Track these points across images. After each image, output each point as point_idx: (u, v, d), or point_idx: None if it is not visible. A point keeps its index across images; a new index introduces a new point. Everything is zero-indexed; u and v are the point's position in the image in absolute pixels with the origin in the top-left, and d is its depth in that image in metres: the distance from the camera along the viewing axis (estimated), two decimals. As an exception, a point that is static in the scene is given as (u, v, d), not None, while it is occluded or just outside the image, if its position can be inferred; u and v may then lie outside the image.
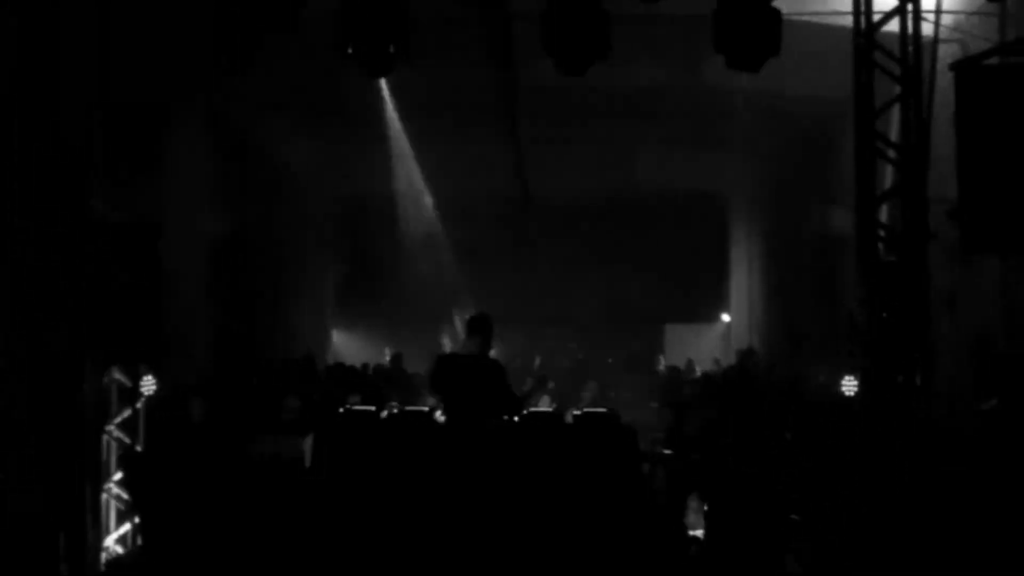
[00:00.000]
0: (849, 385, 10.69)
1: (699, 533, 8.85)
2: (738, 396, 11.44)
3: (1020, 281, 9.29)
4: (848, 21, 8.41)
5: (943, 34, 8.59)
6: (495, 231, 19.13)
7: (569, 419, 9.79)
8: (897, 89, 8.23)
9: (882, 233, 8.30)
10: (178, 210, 10.27)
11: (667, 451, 9.25)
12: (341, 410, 9.97)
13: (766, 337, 16.96)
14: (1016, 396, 7.99)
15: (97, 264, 8.31)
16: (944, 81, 8.04)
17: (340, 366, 14.41)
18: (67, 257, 8.08)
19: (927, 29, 8.36)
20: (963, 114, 7.63)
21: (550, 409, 10.72)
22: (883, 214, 8.50)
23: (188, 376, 10.83)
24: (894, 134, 8.58)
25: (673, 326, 19.96)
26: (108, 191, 8.67)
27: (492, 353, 8.43)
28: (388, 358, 14.97)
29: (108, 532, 9.31)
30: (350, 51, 8.82)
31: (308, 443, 9.18)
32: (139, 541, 9.27)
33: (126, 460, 9.31)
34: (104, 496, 9.23)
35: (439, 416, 9.03)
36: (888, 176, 8.62)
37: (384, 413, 10.19)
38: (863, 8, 8.23)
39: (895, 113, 8.51)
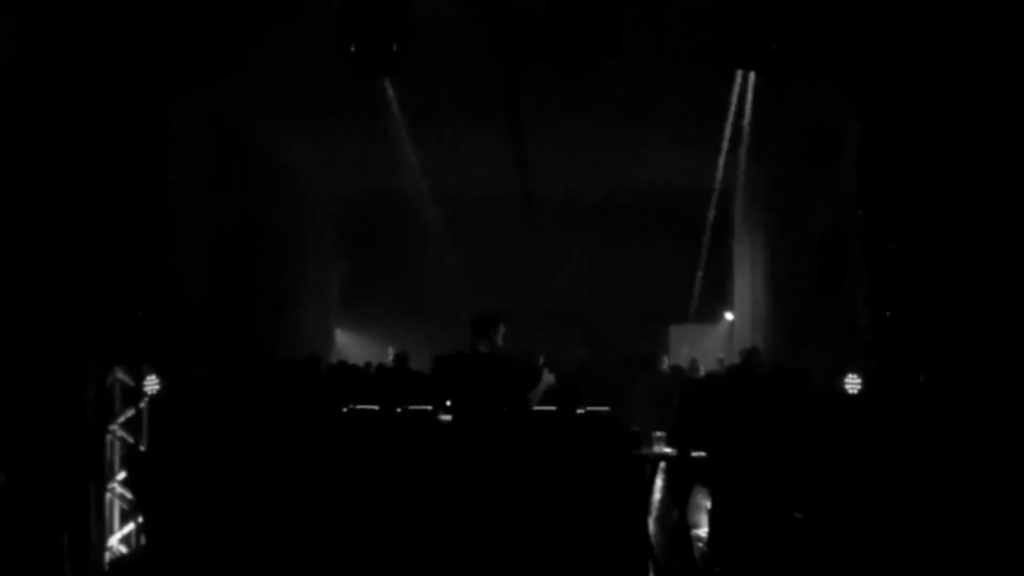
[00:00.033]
0: (852, 383, 10.68)
1: (703, 532, 8.87)
2: (740, 395, 11.40)
3: None
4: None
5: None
6: (497, 230, 19.15)
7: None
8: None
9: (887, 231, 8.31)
10: (179, 210, 10.25)
11: (670, 451, 9.22)
12: (344, 410, 9.98)
13: (770, 336, 16.91)
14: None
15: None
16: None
17: (343, 365, 14.40)
18: (67, 257, 8.10)
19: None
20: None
21: (552, 408, 10.69)
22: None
23: (191, 376, 10.83)
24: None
25: (677, 326, 19.95)
26: (109, 191, 8.70)
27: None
28: (391, 357, 14.93)
29: (112, 532, 9.32)
30: (352, 50, 8.82)
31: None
32: (143, 541, 9.28)
33: (130, 460, 9.32)
34: (108, 496, 9.25)
35: (443, 416, 9.00)
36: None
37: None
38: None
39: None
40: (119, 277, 8.99)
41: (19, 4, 7.70)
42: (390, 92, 12.14)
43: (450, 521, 7.80)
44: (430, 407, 9.76)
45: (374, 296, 19.47)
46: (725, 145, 14.39)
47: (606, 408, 10.08)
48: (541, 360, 13.61)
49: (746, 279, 18.55)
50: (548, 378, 8.36)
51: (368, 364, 14.36)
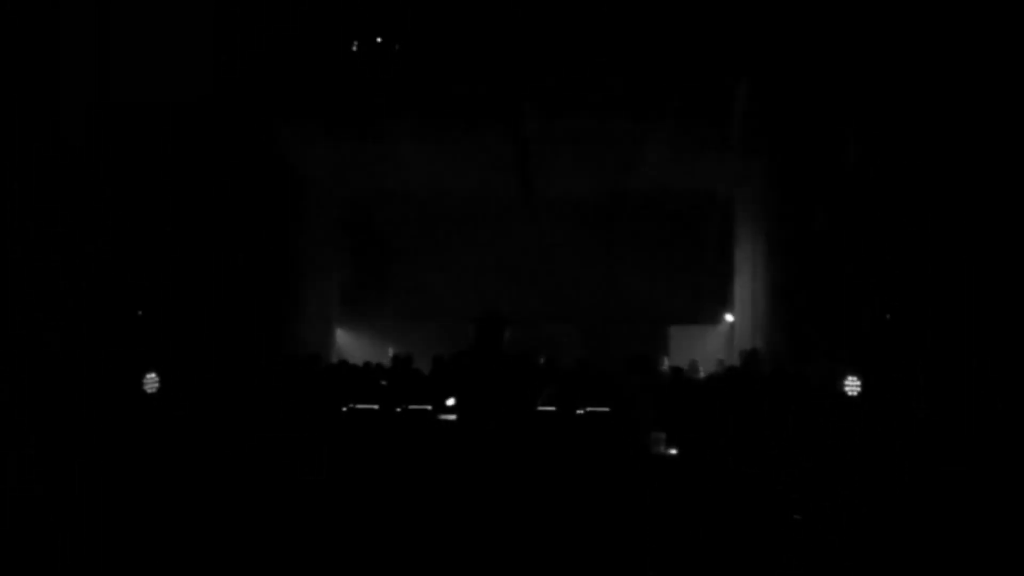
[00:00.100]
0: (852, 385, 10.69)
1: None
2: (741, 397, 11.41)
3: None
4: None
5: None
6: (497, 230, 19.14)
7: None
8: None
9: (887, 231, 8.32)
10: (180, 210, 10.26)
11: (671, 451, 9.21)
12: (344, 409, 9.97)
13: (770, 338, 16.90)
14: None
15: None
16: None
17: (344, 365, 14.39)
18: (67, 257, 8.10)
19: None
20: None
21: (553, 408, 10.70)
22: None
23: (191, 375, 10.83)
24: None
25: (678, 327, 19.93)
26: (109, 191, 8.71)
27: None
28: (390, 357, 14.90)
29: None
30: (354, 49, 8.83)
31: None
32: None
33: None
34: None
35: (447, 416, 9.00)
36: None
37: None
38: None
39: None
40: (119, 277, 9.00)
41: (19, 4, 7.71)
42: (393, 91, 12.12)
43: (450, 520, 7.80)
44: (430, 407, 9.76)
45: (375, 296, 19.45)
46: (726, 146, 14.40)
47: (606, 409, 10.09)
48: (541, 360, 13.60)
49: (747, 281, 18.52)
50: (550, 389, 8.36)
51: (368, 364, 14.35)
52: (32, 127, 7.81)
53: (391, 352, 15.71)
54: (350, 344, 19.64)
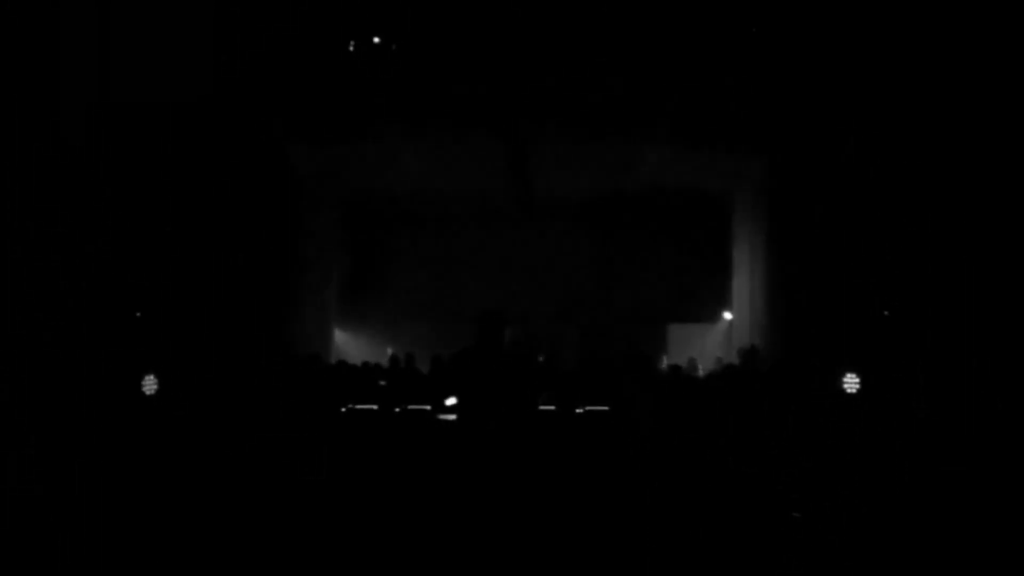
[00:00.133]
0: (851, 383, 10.70)
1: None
2: (740, 395, 11.42)
3: None
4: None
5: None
6: (497, 229, 19.14)
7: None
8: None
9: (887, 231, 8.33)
10: (180, 210, 10.25)
11: (669, 450, 9.22)
12: (343, 409, 9.98)
13: (769, 336, 16.91)
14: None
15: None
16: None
17: (343, 365, 14.39)
18: (67, 257, 8.10)
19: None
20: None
21: (552, 407, 10.71)
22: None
23: (190, 376, 10.83)
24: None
25: (676, 325, 19.94)
26: (109, 191, 8.71)
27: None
28: (388, 357, 14.88)
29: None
30: (351, 48, 8.82)
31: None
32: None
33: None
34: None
35: (446, 415, 9.01)
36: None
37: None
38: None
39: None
40: (119, 277, 8.99)
41: (19, 4, 7.70)
42: (390, 91, 12.12)
43: (449, 520, 7.80)
44: (429, 407, 9.77)
45: (373, 296, 19.45)
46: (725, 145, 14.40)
47: (604, 408, 10.10)
48: (541, 359, 13.62)
49: (745, 279, 18.54)
50: (549, 391, 8.37)
51: (367, 364, 14.35)
52: (32, 127, 7.80)
53: (389, 352, 15.71)
54: (348, 344, 19.64)
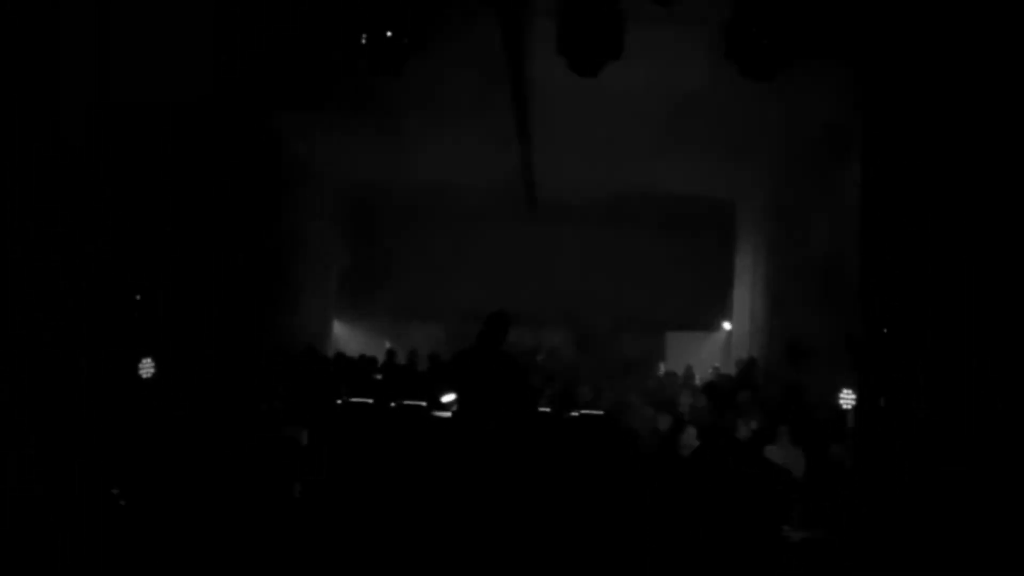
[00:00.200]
0: (847, 399, 10.69)
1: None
2: (739, 406, 11.42)
3: None
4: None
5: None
6: (498, 228, 19.15)
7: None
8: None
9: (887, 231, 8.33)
10: (180, 209, 10.25)
11: (666, 454, 9.22)
12: (339, 402, 9.97)
13: (767, 348, 16.90)
14: None
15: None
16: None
17: (341, 357, 14.36)
18: (67, 257, 8.09)
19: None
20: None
21: (548, 410, 10.72)
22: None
23: (189, 366, 10.80)
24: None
25: (674, 333, 19.93)
26: (109, 191, 8.70)
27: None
28: (385, 351, 14.84)
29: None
30: (363, 42, 8.81)
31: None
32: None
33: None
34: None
35: (441, 412, 9.02)
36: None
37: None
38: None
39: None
40: (119, 277, 8.98)
41: (19, 4, 7.71)
42: (397, 85, 12.11)
43: (445, 517, 7.80)
44: (424, 403, 9.77)
45: (373, 289, 19.39)
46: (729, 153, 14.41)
47: (599, 412, 10.12)
48: (539, 358, 13.65)
49: (746, 289, 18.54)
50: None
51: (363, 356, 14.23)
52: (32, 127, 7.80)
53: (387, 346, 15.66)
54: (347, 336, 19.62)
